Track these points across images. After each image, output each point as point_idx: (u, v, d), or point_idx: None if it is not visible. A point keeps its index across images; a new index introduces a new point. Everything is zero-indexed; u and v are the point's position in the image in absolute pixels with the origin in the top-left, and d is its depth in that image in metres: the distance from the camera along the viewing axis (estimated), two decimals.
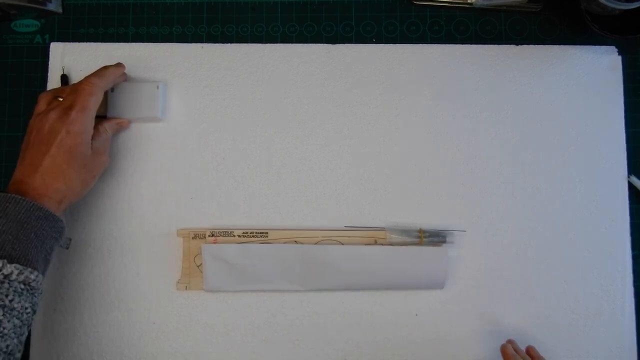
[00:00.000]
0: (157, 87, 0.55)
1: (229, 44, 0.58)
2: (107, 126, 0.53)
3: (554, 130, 0.57)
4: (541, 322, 0.55)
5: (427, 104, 0.58)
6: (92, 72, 0.52)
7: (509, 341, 0.52)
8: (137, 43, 0.58)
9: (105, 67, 0.52)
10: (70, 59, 0.58)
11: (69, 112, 0.48)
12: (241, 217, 0.56)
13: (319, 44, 0.59)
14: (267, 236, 0.55)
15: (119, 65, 0.54)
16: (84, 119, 0.48)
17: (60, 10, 0.59)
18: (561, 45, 0.59)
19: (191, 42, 0.59)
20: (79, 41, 0.58)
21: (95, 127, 0.51)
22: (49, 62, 0.58)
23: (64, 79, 0.57)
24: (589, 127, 0.58)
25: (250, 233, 0.55)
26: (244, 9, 0.59)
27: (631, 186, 0.57)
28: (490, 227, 0.56)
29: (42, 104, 0.50)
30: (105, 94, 0.53)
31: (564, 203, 0.56)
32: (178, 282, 0.54)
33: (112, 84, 0.53)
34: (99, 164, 0.52)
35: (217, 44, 0.58)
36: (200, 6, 0.59)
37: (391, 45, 0.59)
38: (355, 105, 0.58)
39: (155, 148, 0.57)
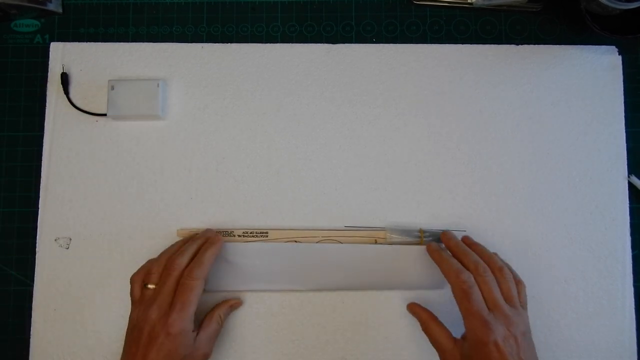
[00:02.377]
0: (158, 85, 0.55)
1: (229, 43, 0.58)
2: (222, 313, 0.52)
3: (554, 130, 0.57)
4: (541, 322, 0.55)
5: (427, 103, 0.58)
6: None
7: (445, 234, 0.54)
8: (137, 43, 0.58)
9: (204, 251, 0.50)
10: (70, 59, 0.58)
11: (170, 312, 0.46)
12: (241, 216, 0.56)
13: (319, 44, 0.59)
14: (267, 236, 0.55)
15: (215, 242, 0.51)
16: (183, 318, 0.46)
17: (60, 10, 0.59)
18: (561, 45, 0.59)
19: (191, 41, 0.59)
20: (79, 41, 0.58)
21: (209, 315, 0.51)
22: (49, 62, 0.58)
23: (64, 77, 0.57)
24: (589, 127, 0.58)
25: (251, 233, 0.55)
26: (244, 8, 0.59)
27: (631, 186, 0.57)
28: (490, 227, 0.56)
29: (136, 290, 0.49)
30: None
31: (564, 203, 0.56)
32: None
33: (211, 265, 0.50)
34: (199, 358, 0.49)
35: (217, 44, 0.58)
36: (200, 6, 0.59)
37: (391, 45, 0.59)
38: (355, 105, 0.58)
39: (155, 148, 0.57)
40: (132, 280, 0.50)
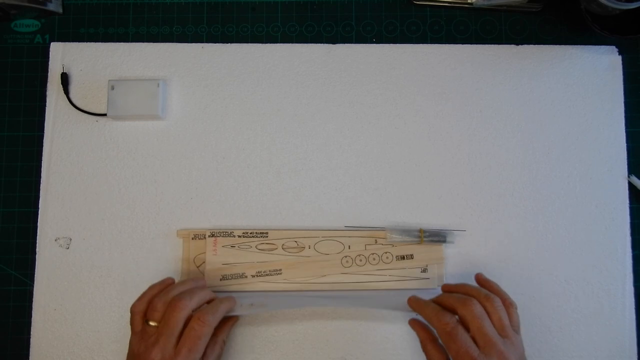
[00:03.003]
0: (158, 85, 0.55)
1: (230, 44, 0.58)
2: (225, 337, 0.51)
3: (554, 130, 0.57)
4: (541, 322, 0.55)
5: (428, 103, 0.58)
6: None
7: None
8: (137, 43, 0.58)
9: (220, 301, 0.48)
10: (71, 59, 0.58)
11: (175, 357, 0.45)
12: (241, 216, 0.56)
13: (319, 44, 0.59)
14: (267, 236, 0.55)
15: (230, 299, 0.50)
16: None
17: (61, 10, 0.59)
18: (561, 45, 0.59)
19: (191, 42, 0.59)
20: (79, 41, 0.58)
21: (212, 341, 0.49)
22: (49, 62, 0.58)
23: (64, 77, 0.57)
24: (589, 127, 0.58)
25: (250, 233, 0.55)
26: (245, 9, 0.59)
27: (631, 186, 0.57)
28: (491, 227, 0.56)
29: (137, 323, 0.47)
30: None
31: (564, 203, 0.56)
32: None
33: (221, 317, 0.48)
34: None
35: (217, 44, 0.58)
36: (201, 6, 0.59)
37: (391, 45, 0.59)
38: (356, 105, 0.58)
39: (155, 147, 0.57)
40: (133, 312, 0.47)
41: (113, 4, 0.59)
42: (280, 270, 0.54)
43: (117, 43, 0.58)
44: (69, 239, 0.55)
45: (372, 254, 0.55)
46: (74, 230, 0.55)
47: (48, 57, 0.58)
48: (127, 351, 0.54)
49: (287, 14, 0.59)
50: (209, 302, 0.49)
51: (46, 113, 0.57)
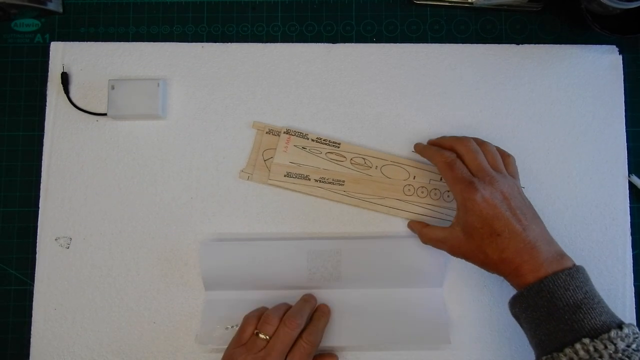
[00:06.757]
0: (158, 84, 0.55)
1: (230, 43, 0.58)
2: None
3: (554, 130, 0.57)
4: None
5: (428, 103, 0.58)
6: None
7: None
8: (137, 42, 0.58)
9: (318, 320, 0.51)
10: (71, 59, 0.58)
11: None
12: (241, 216, 0.56)
13: (319, 44, 0.58)
14: (338, 147, 0.56)
15: (327, 313, 0.53)
16: None
17: (61, 10, 0.59)
18: (562, 45, 0.59)
19: (191, 41, 0.59)
20: (79, 40, 0.58)
21: None
22: (49, 62, 0.58)
23: (64, 77, 0.57)
24: (589, 126, 0.58)
25: (324, 140, 0.56)
26: (245, 8, 0.59)
27: (632, 185, 0.57)
28: None
29: (248, 332, 0.49)
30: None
31: (564, 202, 0.56)
32: (242, 171, 0.55)
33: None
34: None
35: (217, 44, 0.58)
36: (201, 5, 0.59)
37: (392, 44, 0.59)
38: (356, 104, 0.57)
39: (156, 147, 0.57)
40: (246, 322, 0.50)
41: (113, 4, 0.59)
42: (344, 181, 0.55)
43: (117, 43, 0.58)
44: (69, 239, 0.55)
45: (435, 189, 0.55)
46: (74, 230, 0.55)
47: (48, 57, 0.58)
48: (128, 352, 0.54)
49: (287, 13, 0.59)
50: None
51: (46, 113, 0.57)
